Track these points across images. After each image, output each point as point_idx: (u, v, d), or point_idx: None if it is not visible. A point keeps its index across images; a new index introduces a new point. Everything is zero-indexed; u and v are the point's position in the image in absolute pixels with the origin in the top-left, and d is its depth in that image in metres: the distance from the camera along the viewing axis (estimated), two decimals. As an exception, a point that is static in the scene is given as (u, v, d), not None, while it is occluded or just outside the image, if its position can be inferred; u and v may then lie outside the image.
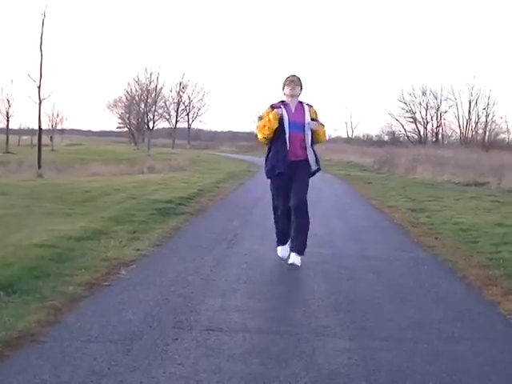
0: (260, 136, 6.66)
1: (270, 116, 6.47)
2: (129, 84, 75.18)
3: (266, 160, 6.82)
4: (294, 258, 6.49)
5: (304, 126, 6.51)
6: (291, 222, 6.57)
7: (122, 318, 4.50)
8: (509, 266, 6.50)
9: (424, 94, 67.67)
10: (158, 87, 70.44)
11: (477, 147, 47.26)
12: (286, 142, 6.45)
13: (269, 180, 6.84)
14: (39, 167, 26.06)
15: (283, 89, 6.67)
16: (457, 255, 7.41)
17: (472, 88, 64.10)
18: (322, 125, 6.79)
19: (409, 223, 10.45)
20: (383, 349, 4.05)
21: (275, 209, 6.86)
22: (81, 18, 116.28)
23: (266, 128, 6.51)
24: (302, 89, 6.71)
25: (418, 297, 5.48)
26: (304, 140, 6.53)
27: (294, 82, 6.58)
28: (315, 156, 6.68)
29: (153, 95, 69.87)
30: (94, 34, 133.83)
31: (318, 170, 6.76)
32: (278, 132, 6.48)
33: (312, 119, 6.60)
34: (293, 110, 6.56)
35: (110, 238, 7.53)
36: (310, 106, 6.70)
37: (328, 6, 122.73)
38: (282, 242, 6.88)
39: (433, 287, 5.85)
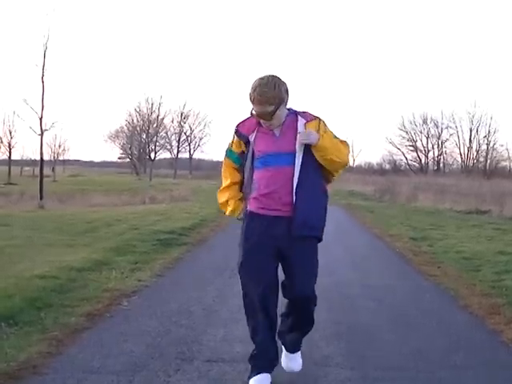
0: (219, 201, 4.10)
1: (226, 161, 4.07)
2: (130, 114, 75.71)
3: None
4: (292, 361, 4.06)
5: (295, 154, 3.72)
6: (282, 319, 4.04)
7: (123, 349, 4.49)
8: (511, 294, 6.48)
9: (425, 122, 68.28)
10: (160, 117, 71.07)
11: (478, 175, 47.46)
12: (251, 183, 3.85)
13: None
14: (41, 198, 26.12)
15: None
16: (459, 284, 7.38)
17: (473, 116, 64.70)
18: (343, 142, 3.94)
19: (410, 252, 10.44)
20: (385, 378, 4.04)
21: (247, 297, 3.88)
22: (83, 48, 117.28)
23: (222, 190, 4.05)
24: (284, 95, 3.72)
25: (420, 325, 5.45)
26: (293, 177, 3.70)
27: (260, 101, 3.65)
28: (319, 209, 3.84)
29: (154, 125, 70.42)
30: (95, 64, 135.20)
31: (319, 240, 3.90)
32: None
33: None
34: (277, 133, 3.77)
35: (112, 268, 7.54)
36: (310, 120, 3.81)
37: (330, 33, 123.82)
38: (260, 365, 3.83)
39: (435, 316, 5.83)
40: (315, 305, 3.94)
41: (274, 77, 3.73)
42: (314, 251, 3.87)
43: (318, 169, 3.80)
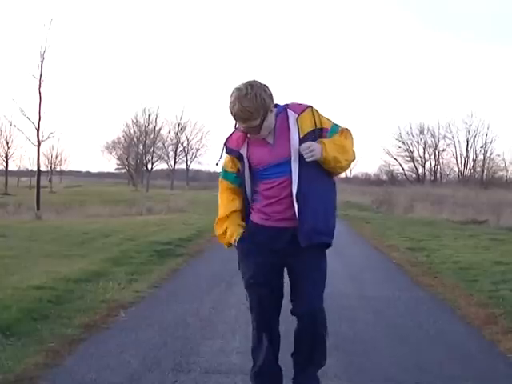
0: (217, 233, 3.78)
1: (222, 184, 3.74)
2: (127, 125, 75.86)
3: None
4: None
5: (290, 161, 3.41)
6: (295, 337, 3.74)
7: (120, 360, 4.48)
8: (508, 304, 6.47)
9: (422, 132, 68.58)
10: (157, 128, 71.19)
11: (475, 185, 47.52)
12: (253, 195, 3.62)
13: None
14: (38, 209, 26.14)
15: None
16: (456, 294, 7.38)
17: (469, 126, 64.92)
18: (344, 131, 3.58)
19: (408, 262, 10.43)
20: (383, 390, 4.03)
21: (256, 316, 3.71)
22: (80, 59, 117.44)
23: (220, 220, 3.71)
24: (268, 103, 3.32)
25: (418, 337, 5.45)
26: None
27: (243, 118, 3.32)
28: (326, 212, 3.53)
29: (151, 136, 70.54)
30: (92, 75, 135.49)
31: (328, 245, 3.60)
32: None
33: (310, 133, 3.43)
34: (271, 140, 3.45)
35: (109, 279, 7.53)
36: (302, 111, 3.45)
37: (325, 43, 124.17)
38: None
39: (432, 327, 5.82)
40: (325, 330, 3.68)
41: (252, 85, 3.31)
42: (322, 259, 3.62)
43: (320, 165, 3.44)
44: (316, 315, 3.60)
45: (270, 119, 3.39)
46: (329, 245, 3.60)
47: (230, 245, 3.68)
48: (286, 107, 3.51)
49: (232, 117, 3.37)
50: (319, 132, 3.47)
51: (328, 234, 3.53)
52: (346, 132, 3.57)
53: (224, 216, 3.66)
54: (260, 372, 3.69)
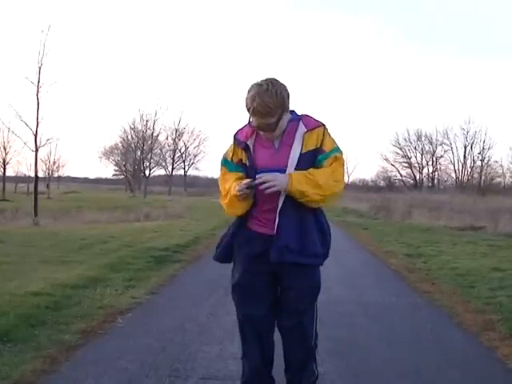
0: (227, 211, 3.63)
1: (223, 171, 3.65)
2: (125, 131, 75.84)
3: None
4: None
5: (285, 171, 3.34)
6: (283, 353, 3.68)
7: (118, 366, 4.47)
8: (506, 310, 6.48)
9: (419, 138, 68.74)
10: (154, 134, 71.19)
11: (473, 191, 47.60)
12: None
13: None
14: (35, 215, 26.04)
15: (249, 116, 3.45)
16: (454, 300, 7.38)
17: (467, 132, 65.06)
18: (334, 162, 3.42)
19: (405, 268, 10.44)
20: (381, 396, 4.03)
21: (243, 325, 3.70)
22: (78, 65, 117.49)
23: (228, 198, 3.52)
24: (283, 110, 3.34)
25: (416, 343, 5.44)
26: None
27: (261, 113, 3.28)
28: (309, 234, 3.40)
29: (149, 142, 70.51)
30: (90, 81, 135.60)
31: (315, 265, 3.53)
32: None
33: (311, 152, 3.38)
34: (277, 144, 3.42)
35: (106, 285, 7.52)
36: (312, 129, 3.40)
37: (323, 50, 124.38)
38: None
39: (430, 333, 5.82)
40: (312, 341, 3.59)
41: (273, 82, 3.31)
42: (312, 272, 3.51)
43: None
44: (297, 329, 3.52)
45: (285, 120, 3.39)
46: (311, 265, 3.46)
47: (239, 200, 3.42)
48: (300, 118, 3.46)
49: (249, 112, 3.34)
50: (317, 151, 3.39)
51: (305, 255, 3.36)
52: (336, 163, 3.42)
53: (225, 192, 3.51)
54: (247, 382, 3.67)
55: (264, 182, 3.25)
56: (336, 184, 3.40)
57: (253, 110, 3.28)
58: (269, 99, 3.23)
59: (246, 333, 3.63)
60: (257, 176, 3.28)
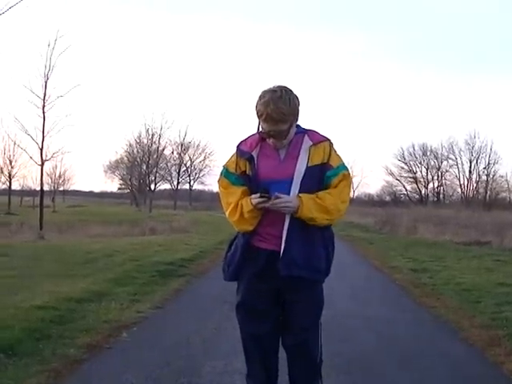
0: (238, 227, 3.48)
1: (225, 183, 3.53)
2: (130, 145, 75.94)
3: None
4: None
5: (291, 183, 3.30)
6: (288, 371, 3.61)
7: (122, 381, 4.47)
8: (512, 326, 6.46)
9: (424, 153, 68.67)
10: (160, 148, 71.28)
11: (478, 206, 47.46)
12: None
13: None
14: (41, 228, 26.09)
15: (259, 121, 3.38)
16: (459, 316, 7.36)
17: (472, 147, 64.97)
18: (343, 180, 3.41)
19: (411, 283, 10.42)
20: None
21: (248, 344, 3.65)
22: (83, 79, 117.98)
23: (231, 208, 3.42)
24: (295, 118, 3.33)
25: (421, 358, 5.42)
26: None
27: (275, 120, 3.22)
28: (314, 245, 3.39)
29: (154, 156, 70.58)
30: (95, 95, 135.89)
31: (319, 280, 3.50)
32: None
33: (318, 166, 3.35)
34: (282, 155, 3.37)
35: (111, 299, 7.52)
36: (317, 143, 3.38)
37: (328, 65, 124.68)
38: None
39: (435, 348, 5.80)
40: (317, 359, 3.54)
41: (286, 89, 3.29)
42: (316, 290, 3.50)
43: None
44: (302, 347, 3.48)
45: (293, 129, 3.36)
46: (316, 281, 3.45)
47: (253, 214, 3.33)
48: (305, 132, 3.43)
49: (261, 118, 3.28)
50: (325, 167, 3.36)
51: (311, 270, 3.34)
52: (343, 182, 3.40)
53: (234, 204, 3.39)
54: None
55: (278, 197, 3.20)
56: (343, 205, 3.39)
57: (266, 116, 3.23)
58: (283, 105, 3.20)
59: (251, 352, 3.59)
60: (276, 194, 3.19)
